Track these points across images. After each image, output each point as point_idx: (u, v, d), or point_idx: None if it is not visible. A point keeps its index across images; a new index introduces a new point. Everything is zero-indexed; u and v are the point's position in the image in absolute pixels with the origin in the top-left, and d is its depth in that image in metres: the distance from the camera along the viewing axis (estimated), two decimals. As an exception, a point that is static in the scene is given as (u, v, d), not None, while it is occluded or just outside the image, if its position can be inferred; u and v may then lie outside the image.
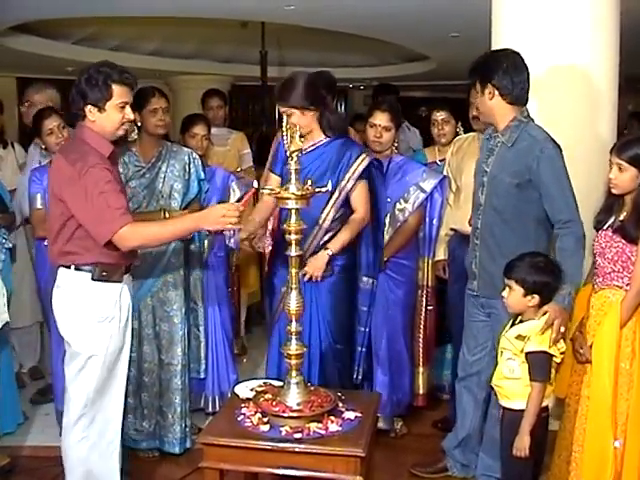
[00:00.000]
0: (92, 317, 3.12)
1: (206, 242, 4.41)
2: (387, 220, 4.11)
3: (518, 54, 3.33)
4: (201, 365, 4.41)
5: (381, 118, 4.11)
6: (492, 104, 3.32)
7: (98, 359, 3.14)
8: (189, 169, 4.09)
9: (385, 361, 4.14)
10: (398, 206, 4.13)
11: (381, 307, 4.08)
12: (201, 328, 4.37)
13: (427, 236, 4.33)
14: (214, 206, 3.23)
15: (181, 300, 4.03)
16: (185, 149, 4.20)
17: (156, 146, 4.05)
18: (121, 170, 3.79)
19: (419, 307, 4.39)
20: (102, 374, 3.17)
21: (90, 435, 3.19)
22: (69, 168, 3.01)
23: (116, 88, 3.08)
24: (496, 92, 3.28)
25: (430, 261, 4.38)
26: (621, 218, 3.15)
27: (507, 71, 3.27)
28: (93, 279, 3.11)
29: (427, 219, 4.29)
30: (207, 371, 4.45)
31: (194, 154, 4.17)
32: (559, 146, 3.27)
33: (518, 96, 3.30)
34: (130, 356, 3.34)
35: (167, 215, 3.92)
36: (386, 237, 4.09)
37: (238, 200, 4.34)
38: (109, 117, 3.10)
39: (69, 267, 3.12)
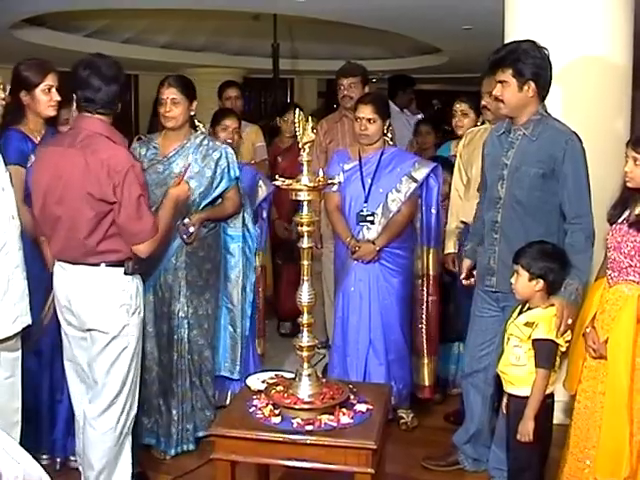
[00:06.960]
0: (124, 310, 3.13)
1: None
2: (379, 211, 4.08)
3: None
4: (236, 366, 4.18)
5: (364, 111, 4.08)
6: (524, 97, 3.27)
7: (130, 349, 3.17)
8: (216, 166, 3.87)
9: (381, 351, 4.11)
10: (390, 197, 4.09)
11: (376, 296, 4.09)
12: (238, 330, 4.18)
13: (425, 225, 4.26)
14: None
15: (179, 305, 3.89)
16: (221, 145, 3.99)
17: (178, 139, 3.87)
18: None
19: (420, 297, 4.33)
20: (133, 364, 3.20)
21: (117, 426, 3.19)
22: (101, 167, 2.95)
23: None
24: (533, 86, 3.24)
25: (431, 250, 4.29)
26: (637, 212, 3.11)
27: (546, 67, 3.26)
28: (126, 273, 3.12)
29: (424, 207, 4.24)
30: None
31: (229, 150, 3.97)
32: (582, 141, 3.27)
33: (547, 92, 3.30)
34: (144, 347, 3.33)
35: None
36: (379, 228, 4.07)
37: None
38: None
39: (98, 265, 3.08)
